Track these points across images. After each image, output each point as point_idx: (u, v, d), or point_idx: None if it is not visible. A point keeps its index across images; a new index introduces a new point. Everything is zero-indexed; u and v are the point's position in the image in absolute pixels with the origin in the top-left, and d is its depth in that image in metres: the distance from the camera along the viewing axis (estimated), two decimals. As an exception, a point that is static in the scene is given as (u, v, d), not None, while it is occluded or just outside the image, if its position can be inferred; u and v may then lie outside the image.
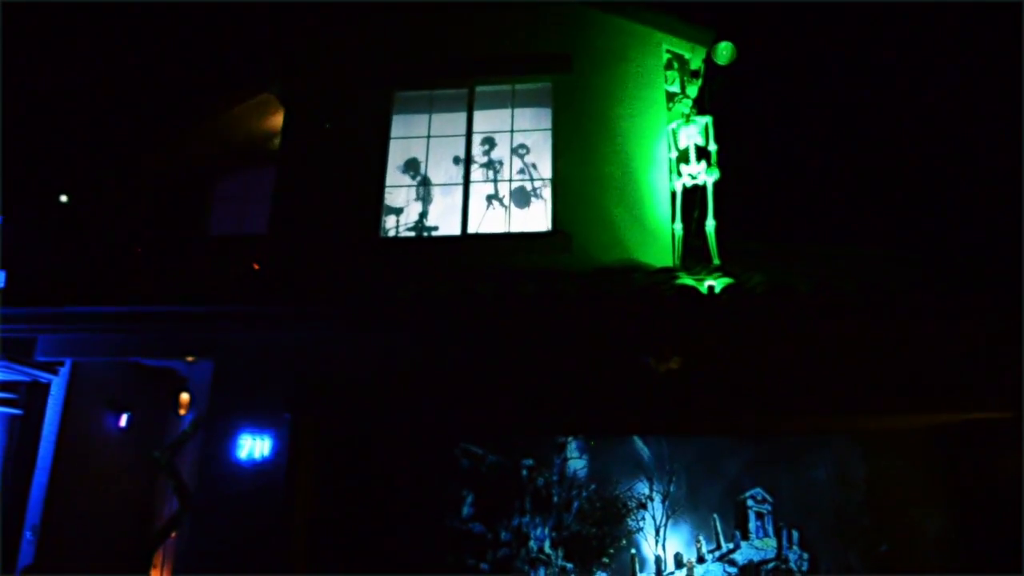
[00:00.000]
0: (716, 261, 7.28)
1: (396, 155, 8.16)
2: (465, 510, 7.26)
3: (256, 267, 7.94)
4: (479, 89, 8.19)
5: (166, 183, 9.68)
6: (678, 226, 7.53)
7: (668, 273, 6.97)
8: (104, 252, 8.71)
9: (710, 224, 7.44)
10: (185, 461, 8.16)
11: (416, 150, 8.21)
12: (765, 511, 7.23)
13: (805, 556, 7.08)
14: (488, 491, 7.28)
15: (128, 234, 9.23)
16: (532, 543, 7.17)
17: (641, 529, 7.23)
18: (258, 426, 6.69)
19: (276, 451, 6.61)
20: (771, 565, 7.11)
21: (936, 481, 7.04)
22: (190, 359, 7.42)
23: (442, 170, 8.14)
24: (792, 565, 7.07)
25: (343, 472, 7.21)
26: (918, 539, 6.94)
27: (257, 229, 8.73)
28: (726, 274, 6.78)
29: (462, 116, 8.14)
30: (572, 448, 7.39)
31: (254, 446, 6.62)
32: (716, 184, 7.52)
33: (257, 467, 6.58)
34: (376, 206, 7.86)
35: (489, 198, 7.99)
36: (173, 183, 9.70)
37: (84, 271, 7.91)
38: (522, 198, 7.98)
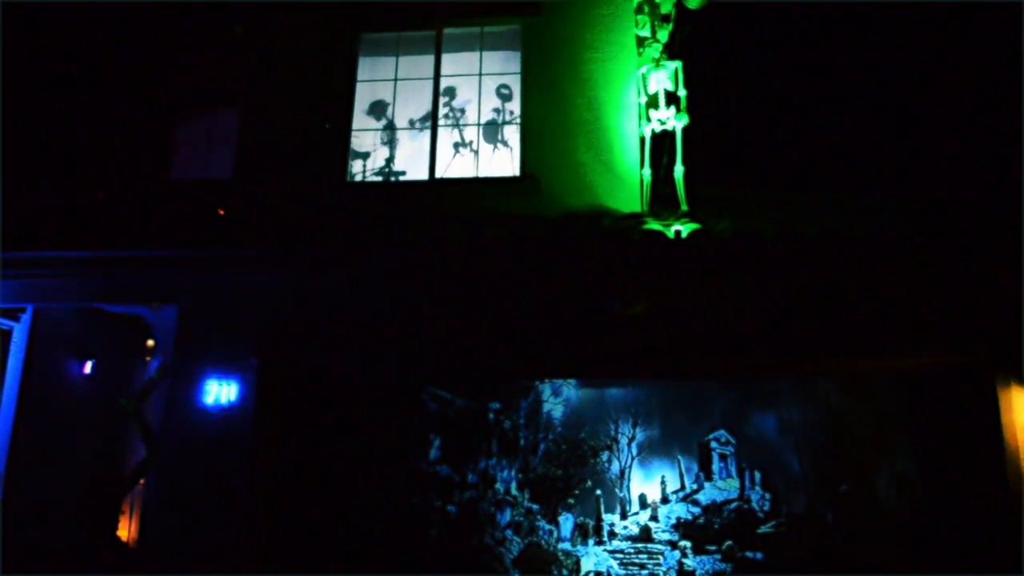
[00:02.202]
0: (684, 207, 7.26)
1: (363, 98, 8.02)
2: (432, 453, 7.32)
3: (221, 212, 7.82)
4: (447, 31, 8.04)
5: (127, 127, 9.45)
6: (647, 172, 7.50)
7: (636, 218, 6.96)
8: (65, 196, 8.53)
9: (679, 170, 7.41)
10: (152, 408, 8.12)
11: (383, 93, 8.07)
12: (728, 453, 7.37)
13: (767, 496, 7.25)
14: (455, 434, 7.35)
15: (89, 178, 9.02)
16: (499, 485, 7.26)
17: (607, 471, 7.35)
18: (224, 371, 6.64)
19: (243, 396, 6.58)
20: (734, 505, 7.27)
21: (900, 425, 7.18)
22: (154, 305, 7.34)
23: (410, 114, 8.02)
24: (754, 505, 7.23)
25: (311, 416, 7.22)
26: (880, 482, 7.11)
27: (222, 174, 8.57)
28: (694, 220, 6.78)
29: (430, 59, 8.00)
30: (546, 392, 7.45)
31: (220, 391, 6.58)
32: (685, 130, 7.48)
33: (224, 412, 6.56)
34: (342, 150, 7.75)
35: (456, 145, 7.90)
36: (135, 127, 9.46)
37: (44, 215, 7.74)
38: (490, 142, 7.90)
